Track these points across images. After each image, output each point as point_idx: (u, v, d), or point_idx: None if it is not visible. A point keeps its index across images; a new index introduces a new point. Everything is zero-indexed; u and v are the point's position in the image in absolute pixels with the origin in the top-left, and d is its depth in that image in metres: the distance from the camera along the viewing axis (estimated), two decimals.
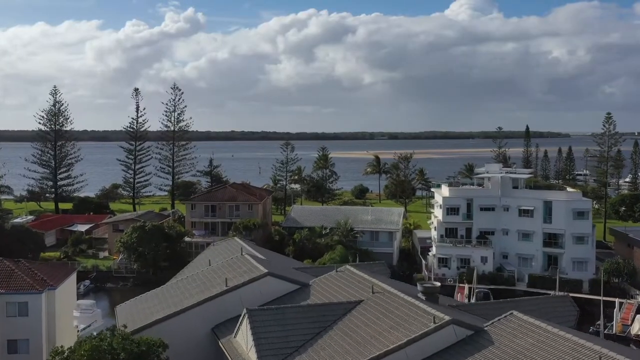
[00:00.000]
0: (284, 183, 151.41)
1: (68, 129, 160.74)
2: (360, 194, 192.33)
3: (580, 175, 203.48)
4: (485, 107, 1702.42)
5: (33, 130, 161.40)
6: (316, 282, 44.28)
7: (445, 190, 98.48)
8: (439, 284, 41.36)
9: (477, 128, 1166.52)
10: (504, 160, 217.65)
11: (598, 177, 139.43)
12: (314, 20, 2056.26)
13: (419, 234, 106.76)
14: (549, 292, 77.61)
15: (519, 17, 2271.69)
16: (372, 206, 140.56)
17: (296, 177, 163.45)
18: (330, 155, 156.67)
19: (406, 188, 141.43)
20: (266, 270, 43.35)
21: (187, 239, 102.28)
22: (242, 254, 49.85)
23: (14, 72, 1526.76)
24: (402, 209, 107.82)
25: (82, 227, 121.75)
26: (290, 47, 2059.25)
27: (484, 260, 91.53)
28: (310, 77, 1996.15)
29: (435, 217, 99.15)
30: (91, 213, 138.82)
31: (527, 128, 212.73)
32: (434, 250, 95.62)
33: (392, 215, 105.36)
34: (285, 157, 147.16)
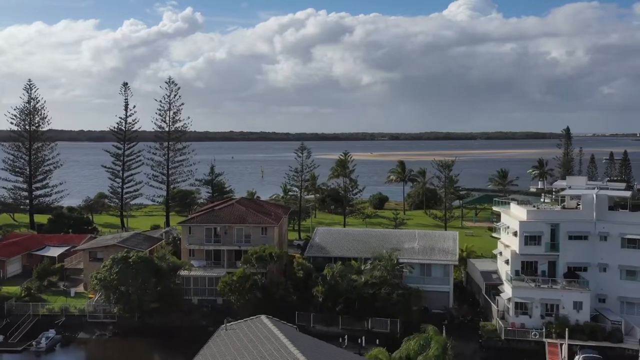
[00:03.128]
0: (299, 194, 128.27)
1: (45, 129, 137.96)
2: (380, 204, 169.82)
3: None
4: (484, 108, 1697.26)
5: (7, 131, 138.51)
6: None
7: (520, 212, 75.65)
8: None
9: (477, 129, 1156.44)
10: (541, 165, 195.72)
11: None
12: (311, 20, 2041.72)
13: (479, 264, 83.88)
14: None
15: (518, 18, 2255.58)
16: (402, 221, 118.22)
17: (309, 185, 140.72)
18: (336, 157, 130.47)
19: (446, 199, 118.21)
20: None
21: (183, 272, 79.52)
22: None
23: (10, 72, 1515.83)
24: (456, 234, 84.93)
25: (55, 251, 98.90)
26: (287, 47, 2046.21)
27: (577, 306, 68.82)
28: (308, 78, 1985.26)
29: (506, 245, 76.37)
30: (70, 231, 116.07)
31: (568, 129, 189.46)
32: (506, 290, 72.91)
33: (446, 242, 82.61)
34: (301, 164, 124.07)
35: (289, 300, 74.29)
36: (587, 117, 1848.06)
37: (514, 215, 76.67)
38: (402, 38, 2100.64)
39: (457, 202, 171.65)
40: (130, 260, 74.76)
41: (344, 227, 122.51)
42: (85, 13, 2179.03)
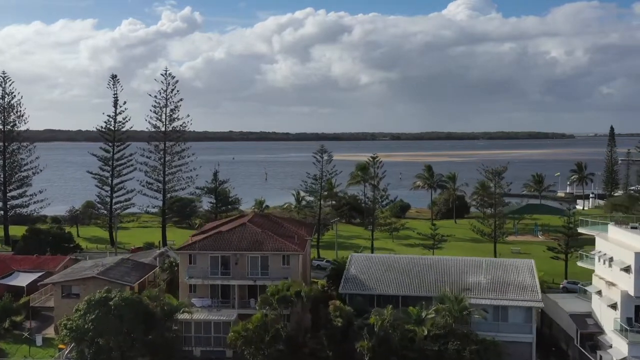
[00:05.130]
0: (319, 204, 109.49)
1: (23, 129, 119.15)
2: (402, 212, 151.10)
3: None
4: (484, 108, 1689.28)
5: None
6: None
7: (633, 238, 56.90)
8: None
9: (477, 129, 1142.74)
10: (580, 169, 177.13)
11: None
12: (310, 20, 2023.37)
13: (563, 302, 65.06)
14: None
15: (517, 17, 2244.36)
16: (442, 238, 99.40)
17: (326, 192, 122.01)
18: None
19: (496, 212, 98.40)
20: None
21: (182, 316, 60.78)
22: None
23: (8, 71, 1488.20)
24: (532, 263, 66.10)
25: (24, 279, 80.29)
26: (286, 47, 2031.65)
27: None
28: (306, 78, 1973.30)
29: (610, 283, 57.73)
30: (47, 251, 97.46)
31: (612, 129, 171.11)
32: (616, 345, 54.36)
33: (520, 273, 63.89)
34: (320, 170, 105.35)
35: (323, 356, 55.83)
36: (586, 117, 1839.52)
37: (617, 241, 58.03)
38: (401, 38, 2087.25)
39: (488, 211, 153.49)
40: (111, 303, 56.08)
41: (372, 244, 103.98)
42: (83, 13, 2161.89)
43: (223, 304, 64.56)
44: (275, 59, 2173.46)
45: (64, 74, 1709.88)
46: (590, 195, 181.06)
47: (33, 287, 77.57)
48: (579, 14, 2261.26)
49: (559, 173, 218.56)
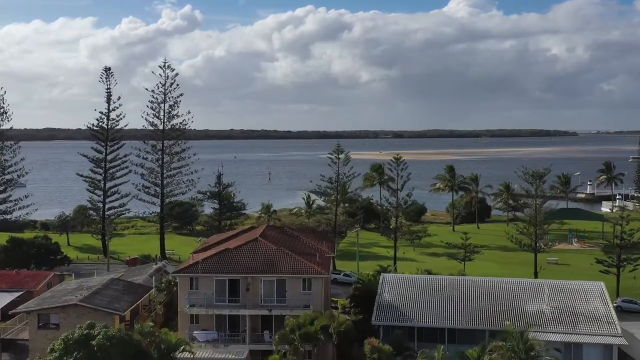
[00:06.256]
0: (334, 210, 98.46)
1: (6, 127, 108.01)
2: (417, 216, 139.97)
3: None
4: (484, 105, 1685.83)
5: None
6: None
7: None
8: None
9: (478, 126, 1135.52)
10: (609, 169, 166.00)
11: None
12: (310, 17, 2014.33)
13: None
14: None
15: (518, 14, 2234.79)
16: (474, 249, 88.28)
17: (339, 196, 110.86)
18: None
19: (537, 221, 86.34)
20: None
21: (181, 354, 49.76)
22: None
23: (7, 70, 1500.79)
24: (601, 285, 55.04)
25: (2, 300, 69.28)
26: (286, 45, 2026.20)
27: None
28: (306, 75, 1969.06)
29: None
30: (32, 264, 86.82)
31: None
32: None
33: (591, 299, 52.90)
34: (337, 172, 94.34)
35: None
36: (587, 115, 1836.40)
37: None
38: (401, 35, 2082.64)
39: (520, 215, 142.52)
40: (94, 342, 45.18)
41: (394, 259, 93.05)
42: (83, 11, 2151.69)
43: (231, 338, 53.52)
44: (275, 56, 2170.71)
45: (63, 72, 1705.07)
46: (617, 197, 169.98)
47: (11, 307, 66.54)
48: (580, 11, 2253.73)
49: (579, 173, 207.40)
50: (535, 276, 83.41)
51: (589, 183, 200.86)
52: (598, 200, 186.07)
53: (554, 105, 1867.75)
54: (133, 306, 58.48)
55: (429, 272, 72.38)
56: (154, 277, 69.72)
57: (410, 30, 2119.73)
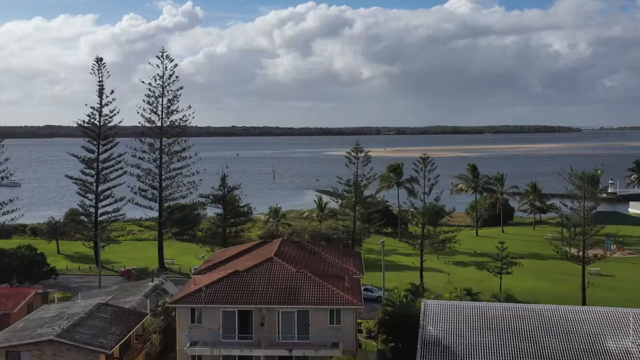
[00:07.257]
0: (353, 216, 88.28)
1: None
2: (435, 218, 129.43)
3: None
4: (486, 101, 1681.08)
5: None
6: None
7: None
8: None
9: (480, 122, 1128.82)
10: None
11: None
12: (311, 14, 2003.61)
13: None
14: None
15: (520, 10, 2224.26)
16: (511, 261, 77.98)
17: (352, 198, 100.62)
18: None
19: (586, 230, 75.94)
20: None
21: None
22: None
23: (7, 67, 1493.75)
24: None
25: None
26: (287, 41, 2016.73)
27: None
28: (308, 72, 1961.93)
29: None
30: (14, 279, 77.16)
31: None
32: None
33: None
34: (355, 173, 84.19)
35: None
36: (589, 111, 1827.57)
37: None
38: (402, 31, 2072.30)
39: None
40: None
41: (421, 272, 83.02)
42: (84, 8, 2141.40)
43: None
44: (276, 53, 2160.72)
45: (64, 69, 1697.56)
46: None
47: None
48: (582, 7, 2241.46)
49: (600, 171, 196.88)
50: (583, 291, 73.60)
51: (610, 182, 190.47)
52: (620, 200, 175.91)
53: (556, 101, 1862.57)
54: (123, 340, 48.34)
55: (469, 292, 62.66)
56: (149, 299, 59.56)
57: (412, 26, 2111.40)
